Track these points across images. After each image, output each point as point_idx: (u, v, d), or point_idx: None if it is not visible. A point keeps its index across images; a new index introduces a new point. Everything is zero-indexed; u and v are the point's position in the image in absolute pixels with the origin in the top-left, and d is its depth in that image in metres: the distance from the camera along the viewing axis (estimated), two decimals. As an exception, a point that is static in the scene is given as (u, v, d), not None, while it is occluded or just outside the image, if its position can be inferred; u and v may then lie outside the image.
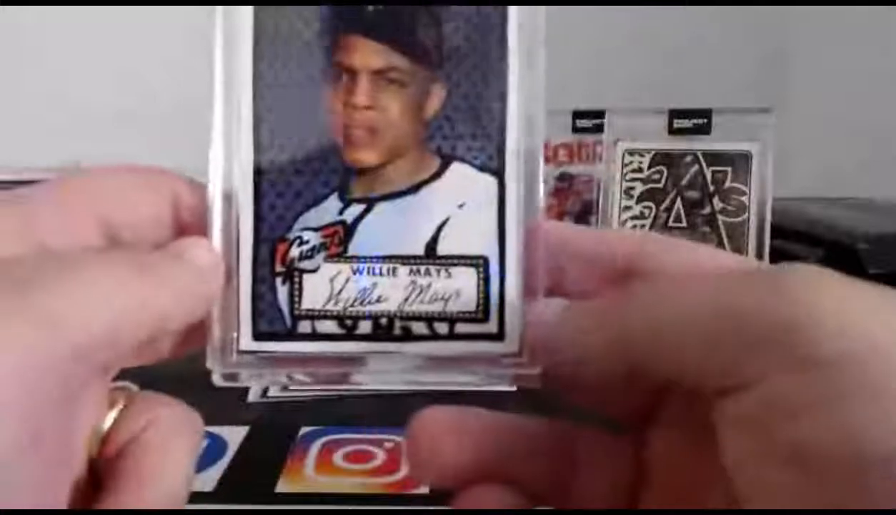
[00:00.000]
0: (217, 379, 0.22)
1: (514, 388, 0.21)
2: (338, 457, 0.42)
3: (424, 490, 0.38)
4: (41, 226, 0.18)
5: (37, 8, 0.91)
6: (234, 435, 0.44)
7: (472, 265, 0.22)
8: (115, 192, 0.20)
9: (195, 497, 0.22)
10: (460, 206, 0.22)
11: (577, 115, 0.67)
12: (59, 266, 0.16)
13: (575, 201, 0.66)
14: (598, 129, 0.64)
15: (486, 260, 0.22)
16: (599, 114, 0.64)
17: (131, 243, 0.20)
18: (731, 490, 0.16)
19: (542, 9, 0.22)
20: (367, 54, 0.22)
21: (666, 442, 0.20)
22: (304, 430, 0.45)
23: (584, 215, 0.65)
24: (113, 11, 0.91)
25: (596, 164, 0.64)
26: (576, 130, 0.67)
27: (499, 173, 0.22)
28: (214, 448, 0.42)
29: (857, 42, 0.93)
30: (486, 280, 0.22)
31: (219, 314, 0.21)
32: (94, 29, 0.94)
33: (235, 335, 0.22)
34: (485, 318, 0.22)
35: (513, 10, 0.22)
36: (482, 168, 0.22)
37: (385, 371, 0.22)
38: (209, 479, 0.39)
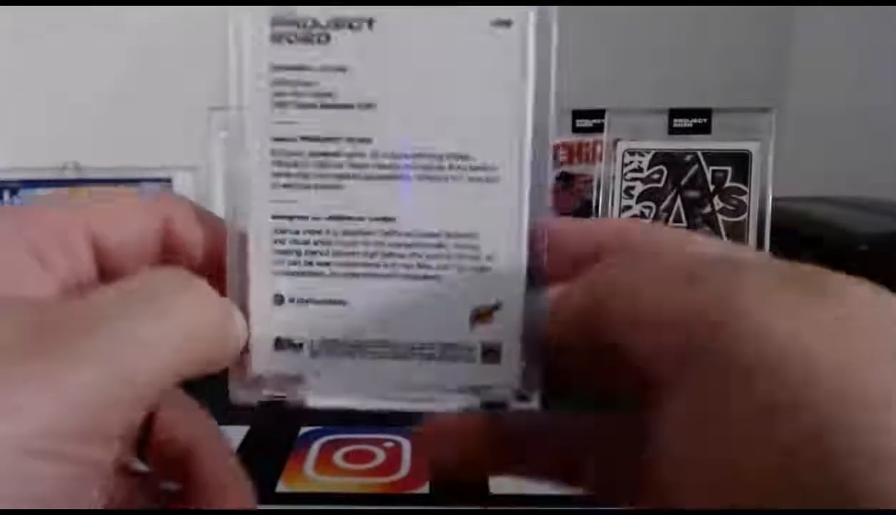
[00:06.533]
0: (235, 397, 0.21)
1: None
2: (338, 457, 0.42)
3: (424, 489, 0.38)
4: (35, 237, 0.19)
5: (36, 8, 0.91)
6: (234, 435, 0.44)
7: None
8: (106, 210, 0.20)
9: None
10: None
11: (577, 114, 0.67)
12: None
13: (575, 201, 0.66)
14: (598, 129, 0.64)
15: None
16: (599, 114, 0.64)
17: (119, 262, 0.20)
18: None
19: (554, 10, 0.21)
20: None
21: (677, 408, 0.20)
22: (304, 430, 0.45)
23: (584, 214, 0.65)
24: (112, 11, 0.91)
25: (596, 164, 0.64)
26: (576, 129, 0.67)
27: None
28: (214, 448, 0.42)
29: (858, 42, 0.93)
30: None
31: None
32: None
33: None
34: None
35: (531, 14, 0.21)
36: None
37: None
38: (209, 479, 0.39)
